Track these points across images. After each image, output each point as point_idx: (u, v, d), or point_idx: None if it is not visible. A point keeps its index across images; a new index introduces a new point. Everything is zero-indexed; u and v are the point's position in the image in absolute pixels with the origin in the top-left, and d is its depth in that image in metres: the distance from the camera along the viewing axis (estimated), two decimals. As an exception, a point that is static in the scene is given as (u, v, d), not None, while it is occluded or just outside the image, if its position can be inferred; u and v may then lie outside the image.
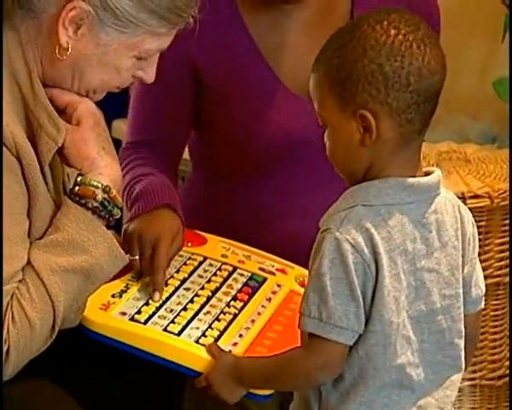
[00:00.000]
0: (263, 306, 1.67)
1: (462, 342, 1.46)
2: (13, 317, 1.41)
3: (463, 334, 1.46)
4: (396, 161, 1.39)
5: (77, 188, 1.50)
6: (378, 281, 1.35)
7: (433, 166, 2.33)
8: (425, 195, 1.41)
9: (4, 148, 1.40)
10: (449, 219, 1.44)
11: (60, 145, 1.48)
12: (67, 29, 1.45)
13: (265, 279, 1.74)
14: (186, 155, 2.02)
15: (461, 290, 1.45)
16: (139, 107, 1.97)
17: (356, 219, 1.36)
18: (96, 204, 1.49)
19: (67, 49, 1.46)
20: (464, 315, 1.47)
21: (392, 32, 1.35)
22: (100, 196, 1.49)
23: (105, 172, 1.51)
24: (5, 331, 1.40)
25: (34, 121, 1.46)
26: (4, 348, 1.40)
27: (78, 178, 1.50)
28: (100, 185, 1.50)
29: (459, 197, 2.10)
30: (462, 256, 1.46)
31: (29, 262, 1.45)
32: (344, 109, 1.37)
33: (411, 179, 1.39)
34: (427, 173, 1.42)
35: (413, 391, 1.42)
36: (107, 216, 1.51)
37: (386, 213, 1.37)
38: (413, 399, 1.42)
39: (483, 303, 1.51)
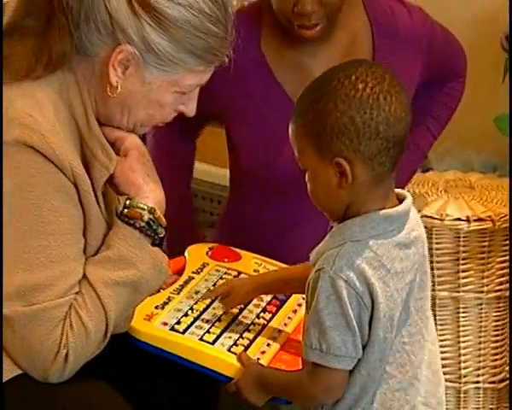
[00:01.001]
0: (289, 317, 1.63)
1: (436, 340, 1.47)
2: (71, 325, 1.40)
3: (434, 331, 1.47)
4: (372, 198, 1.37)
5: (126, 210, 1.48)
6: (374, 308, 1.34)
7: (441, 192, 2.34)
8: (403, 219, 1.40)
9: (63, 175, 1.39)
10: (421, 230, 1.44)
11: (111, 172, 1.48)
12: (117, 70, 1.43)
13: (292, 293, 1.68)
14: (221, 180, 2.00)
15: (429, 291, 1.45)
16: None
17: (347, 256, 1.34)
18: (142, 224, 1.48)
19: (117, 88, 1.45)
20: None
21: (360, 86, 1.33)
22: (146, 216, 1.48)
23: (150, 195, 1.50)
24: (64, 337, 1.39)
25: (88, 152, 1.46)
26: (63, 353, 1.39)
27: (127, 202, 1.49)
28: (146, 207, 1.48)
29: (465, 220, 2.15)
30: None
31: (85, 276, 1.44)
32: (322, 157, 1.36)
33: (390, 210, 1.38)
34: (399, 197, 1.42)
35: (404, 391, 1.40)
36: (152, 235, 1.49)
37: (373, 244, 1.36)
38: (405, 399, 1.41)
39: None
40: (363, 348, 1.35)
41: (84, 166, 1.45)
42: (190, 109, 1.55)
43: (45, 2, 1.42)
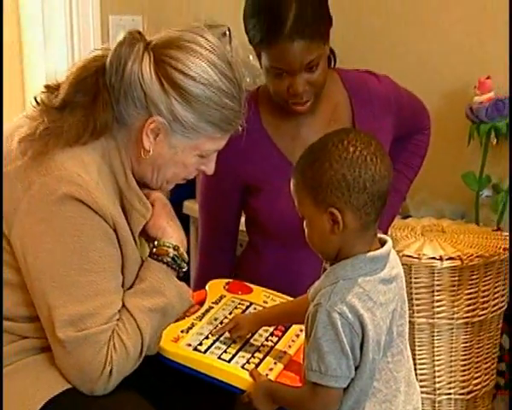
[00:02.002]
0: (293, 340, 1.62)
1: (410, 357, 1.46)
2: (114, 346, 1.40)
3: (409, 349, 1.46)
4: (360, 243, 1.37)
5: (154, 249, 1.51)
6: (364, 334, 1.33)
7: (419, 235, 2.32)
8: (385, 260, 1.39)
9: (105, 223, 1.40)
10: (400, 267, 1.43)
11: (148, 219, 1.49)
12: (149, 136, 1.45)
13: None
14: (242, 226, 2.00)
15: (407, 318, 1.44)
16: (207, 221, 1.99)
17: (340, 292, 1.34)
18: (168, 259, 1.50)
19: (149, 151, 1.46)
20: None
21: (351, 149, 1.33)
22: (171, 253, 1.50)
23: (174, 236, 1.53)
24: (109, 357, 1.39)
25: (127, 203, 1.47)
26: (108, 370, 1.39)
27: (156, 242, 1.51)
28: (171, 245, 1.51)
29: (438, 259, 2.14)
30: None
31: (125, 306, 1.44)
32: (317, 207, 1.36)
33: (375, 252, 1.37)
34: (381, 241, 1.41)
35: (390, 402, 1.40)
36: (177, 268, 1.51)
37: (362, 281, 1.35)
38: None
39: None
40: (356, 368, 1.34)
41: (123, 215, 1.45)
42: (210, 169, 1.55)
43: (93, 82, 1.44)
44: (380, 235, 1.42)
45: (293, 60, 1.72)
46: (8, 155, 1.43)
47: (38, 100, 1.46)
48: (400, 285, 1.41)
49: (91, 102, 1.43)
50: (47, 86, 1.48)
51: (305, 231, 1.40)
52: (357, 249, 1.37)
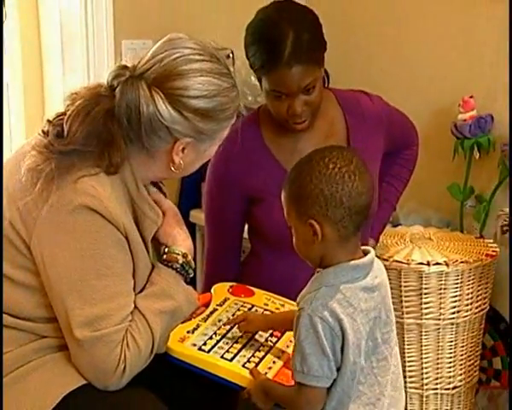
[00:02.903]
0: (291, 340, 1.58)
1: (398, 360, 1.43)
2: (128, 345, 1.40)
3: (398, 354, 1.43)
4: (341, 252, 1.36)
5: (165, 256, 1.52)
6: (344, 337, 1.32)
7: (408, 242, 2.31)
8: (367, 269, 1.37)
9: (117, 231, 1.40)
10: (384, 277, 1.41)
11: (159, 226, 1.49)
12: (178, 154, 1.45)
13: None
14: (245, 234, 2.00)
15: (394, 326, 1.42)
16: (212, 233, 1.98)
17: (321, 298, 1.33)
18: (177, 266, 1.50)
19: (182, 165, 1.47)
20: None
21: (331, 166, 1.33)
22: (180, 260, 1.51)
23: (183, 244, 1.53)
24: (122, 355, 1.39)
25: (140, 212, 1.46)
26: (122, 367, 1.39)
27: (165, 249, 1.52)
28: (180, 253, 1.51)
29: (426, 264, 2.14)
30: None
31: (137, 308, 1.44)
32: (300, 218, 1.35)
33: (357, 261, 1.36)
34: (365, 252, 1.39)
35: (374, 405, 1.38)
36: (185, 274, 1.51)
37: (343, 288, 1.33)
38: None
39: None
40: (338, 369, 1.33)
41: (136, 222, 1.45)
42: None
43: (103, 123, 1.41)
44: (363, 247, 1.40)
45: (292, 84, 1.73)
46: (27, 182, 1.40)
47: (45, 130, 1.44)
48: (384, 294, 1.40)
49: (104, 147, 1.41)
50: (49, 121, 1.45)
51: (293, 239, 1.39)
52: (338, 258, 1.36)
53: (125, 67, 1.44)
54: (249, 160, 1.83)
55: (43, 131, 1.45)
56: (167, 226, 1.53)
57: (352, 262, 1.35)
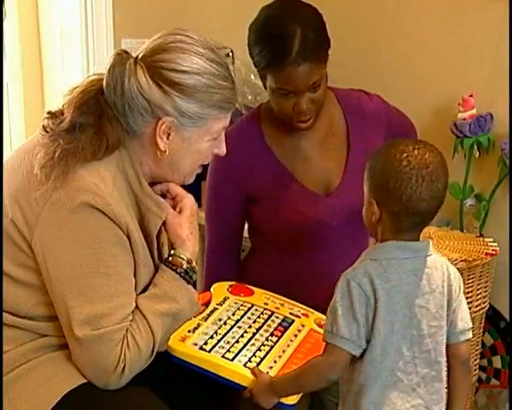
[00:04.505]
0: (291, 340, 1.61)
1: (443, 360, 1.42)
2: (128, 345, 1.40)
3: (444, 354, 1.42)
4: (393, 239, 1.37)
5: (170, 258, 1.50)
6: (377, 308, 1.34)
7: None
8: (415, 254, 1.38)
9: (119, 229, 1.40)
10: (437, 273, 1.40)
11: (163, 219, 1.49)
12: (162, 138, 1.44)
13: (293, 321, 1.67)
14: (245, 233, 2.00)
15: (444, 323, 1.40)
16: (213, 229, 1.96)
17: (363, 268, 1.36)
18: (181, 270, 1.49)
19: (166, 151, 1.45)
20: (455, 343, 1.43)
21: (404, 163, 1.34)
22: (185, 265, 1.50)
23: (189, 249, 1.52)
24: (122, 354, 1.39)
25: (143, 207, 1.46)
26: (121, 366, 1.39)
27: (172, 251, 1.51)
28: (185, 258, 1.50)
29: None
30: (448, 300, 1.41)
31: (138, 308, 1.43)
32: (369, 193, 1.39)
33: (403, 242, 1.37)
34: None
35: (407, 394, 1.38)
36: (188, 279, 1.50)
37: (386, 264, 1.36)
38: (407, 400, 1.39)
39: (470, 334, 1.45)
40: (368, 341, 1.35)
41: (141, 218, 1.46)
42: (222, 150, 1.54)
43: (94, 103, 1.43)
44: (422, 240, 1.41)
45: (299, 82, 1.73)
46: (31, 181, 1.41)
47: (45, 125, 1.45)
48: (435, 288, 1.39)
49: (98, 121, 1.43)
50: (50, 112, 1.47)
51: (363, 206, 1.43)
52: (391, 239, 1.38)
53: (126, 51, 1.45)
54: (249, 157, 1.83)
55: (43, 128, 1.45)
56: (178, 227, 1.52)
57: (397, 241, 1.37)
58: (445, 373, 1.42)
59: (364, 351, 1.36)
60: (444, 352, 1.41)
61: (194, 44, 1.44)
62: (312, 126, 1.84)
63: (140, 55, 1.44)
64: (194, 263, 1.51)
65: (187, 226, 1.52)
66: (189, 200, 1.56)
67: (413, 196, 1.32)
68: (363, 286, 1.34)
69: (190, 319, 1.56)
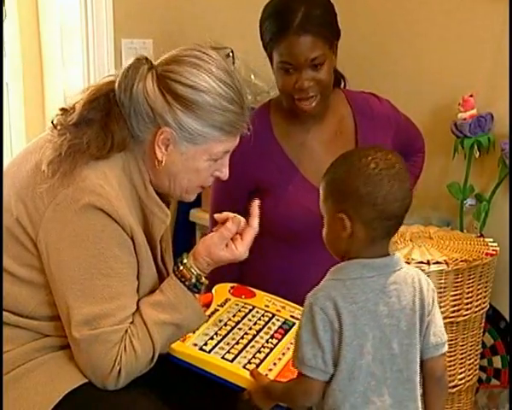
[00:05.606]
0: (291, 343, 1.58)
1: (417, 378, 1.36)
2: (125, 348, 1.40)
3: (418, 372, 1.36)
4: (365, 252, 1.33)
5: (181, 267, 1.48)
6: (342, 333, 1.29)
7: (408, 241, 2.31)
8: (382, 270, 1.33)
9: (123, 231, 1.40)
10: (407, 288, 1.34)
11: (167, 225, 1.48)
12: (161, 148, 1.44)
13: (294, 324, 1.65)
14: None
15: (416, 340, 1.34)
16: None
17: (326, 289, 1.32)
18: (190, 283, 1.48)
19: (162, 162, 1.44)
20: (429, 359, 1.37)
21: (372, 165, 1.30)
22: (194, 279, 1.48)
23: (204, 270, 1.50)
24: (118, 357, 1.39)
25: (148, 211, 1.46)
26: (117, 369, 1.39)
27: (184, 261, 1.49)
28: (195, 272, 1.48)
29: (426, 263, 2.12)
30: (421, 315, 1.35)
31: (140, 313, 1.43)
32: (334, 209, 1.34)
33: (368, 260, 1.33)
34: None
35: None
36: (195, 291, 1.49)
37: (350, 284, 1.31)
38: None
39: (445, 348, 1.39)
40: (336, 366, 1.30)
41: (145, 222, 1.46)
42: (224, 174, 1.53)
43: (105, 101, 1.45)
44: (392, 254, 1.36)
45: (300, 53, 1.76)
46: (37, 177, 1.42)
47: (55, 122, 1.46)
48: (405, 305, 1.33)
49: (105, 117, 1.44)
50: (62, 109, 1.48)
51: (323, 230, 1.38)
52: (360, 257, 1.33)
53: (146, 58, 1.46)
54: (258, 150, 1.83)
55: (53, 124, 1.46)
56: (213, 247, 1.49)
57: (362, 260, 1.33)
58: (419, 392, 1.36)
59: (332, 375, 1.31)
60: (417, 370, 1.35)
61: (207, 62, 1.44)
62: (321, 122, 1.86)
63: (156, 63, 1.45)
64: (203, 279, 1.50)
65: (219, 251, 1.49)
66: (253, 229, 1.53)
67: (388, 196, 1.29)
68: (326, 310, 1.28)
69: (198, 329, 1.55)
